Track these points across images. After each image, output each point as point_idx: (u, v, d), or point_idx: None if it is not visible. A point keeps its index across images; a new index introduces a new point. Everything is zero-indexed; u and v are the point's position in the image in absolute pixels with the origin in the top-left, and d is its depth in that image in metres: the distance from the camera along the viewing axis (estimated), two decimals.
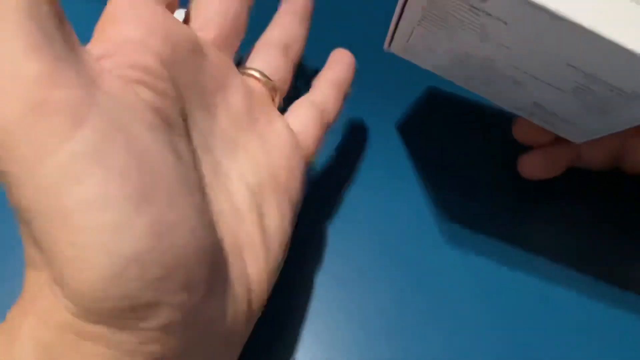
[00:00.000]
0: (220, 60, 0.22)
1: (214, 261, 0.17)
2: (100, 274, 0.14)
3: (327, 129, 0.25)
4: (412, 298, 0.26)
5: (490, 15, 0.19)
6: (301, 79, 0.26)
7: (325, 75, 0.26)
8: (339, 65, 0.26)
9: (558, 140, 0.27)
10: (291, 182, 0.22)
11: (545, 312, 0.26)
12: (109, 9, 0.19)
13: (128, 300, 0.14)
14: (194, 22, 0.22)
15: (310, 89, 0.26)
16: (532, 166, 0.28)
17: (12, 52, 0.13)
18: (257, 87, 0.24)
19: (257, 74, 0.24)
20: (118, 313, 0.14)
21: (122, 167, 0.14)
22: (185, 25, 0.21)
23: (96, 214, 0.14)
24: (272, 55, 0.24)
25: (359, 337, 0.25)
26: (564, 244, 0.28)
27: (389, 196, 0.29)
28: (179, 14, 0.22)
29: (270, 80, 0.24)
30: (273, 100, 0.24)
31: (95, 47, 0.18)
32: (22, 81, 0.13)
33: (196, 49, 0.21)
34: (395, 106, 0.31)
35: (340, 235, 0.27)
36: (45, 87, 0.14)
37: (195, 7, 0.23)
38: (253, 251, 0.20)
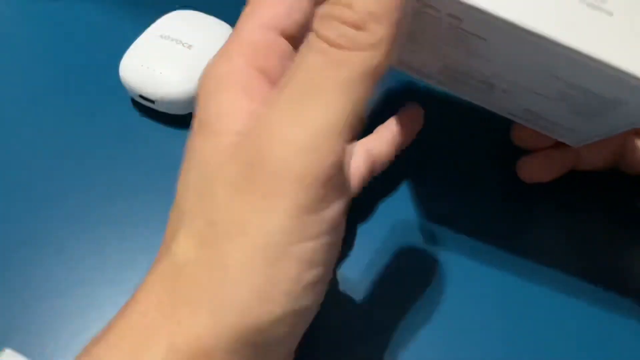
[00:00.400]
0: None
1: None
2: (259, 320, 0.16)
3: (373, 175, 0.26)
4: (411, 299, 0.26)
5: (468, 32, 0.19)
6: None
7: (390, 127, 0.26)
8: (407, 123, 0.27)
9: (557, 144, 0.27)
10: None
11: (545, 312, 0.26)
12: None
13: (262, 347, 0.16)
14: None
15: (371, 135, 0.26)
16: (531, 169, 0.28)
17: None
18: None
19: None
20: (248, 351, 0.16)
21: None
22: None
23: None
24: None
25: (360, 335, 0.25)
26: (563, 243, 0.28)
27: (384, 197, 0.29)
28: None
29: None
30: None
31: None
32: None
33: None
34: (392, 107, 0.31)
35: None
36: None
37: None
38: None
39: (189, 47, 0.32)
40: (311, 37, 0.16)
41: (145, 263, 0.27)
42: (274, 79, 0.18)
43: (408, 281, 0.26)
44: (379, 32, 0.16)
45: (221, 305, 0.16)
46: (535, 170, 0.28)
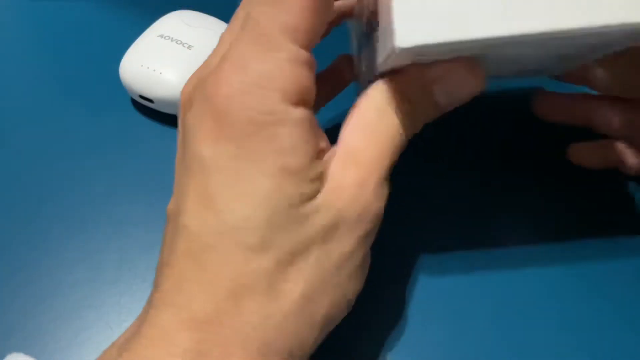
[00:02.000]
0: None
1: None
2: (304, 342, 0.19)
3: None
4: (412, 299, 0.26)
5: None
6: None
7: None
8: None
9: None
10: None
11: (547, 312, 0.26)
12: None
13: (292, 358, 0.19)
14: None
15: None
16: (583, 154, 0.28)
17: None
18: None
19: None
20: None
21: None
22: None
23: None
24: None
25: (362, 334, 0.25)
26: (564, 243, 0.28)
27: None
28: None
29: None
30: None
31: None
32: None
33: None
34: None
35: None
36: None
37: None
38: None
39: (189, 47, 0.32)
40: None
41: (145, 263, 0.27)
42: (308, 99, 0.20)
43: (409, 281, 0.26)
44: None
45: (275, 335, 0.18)
46: (587, 155, 0.28)
